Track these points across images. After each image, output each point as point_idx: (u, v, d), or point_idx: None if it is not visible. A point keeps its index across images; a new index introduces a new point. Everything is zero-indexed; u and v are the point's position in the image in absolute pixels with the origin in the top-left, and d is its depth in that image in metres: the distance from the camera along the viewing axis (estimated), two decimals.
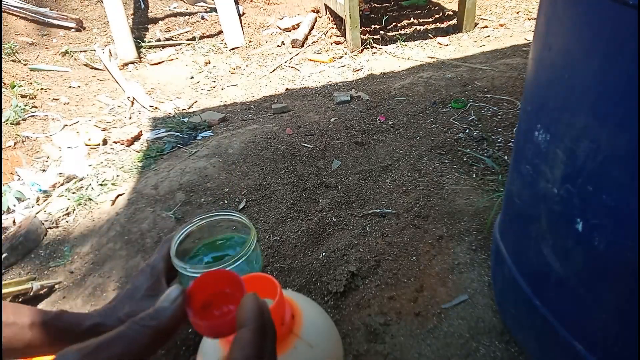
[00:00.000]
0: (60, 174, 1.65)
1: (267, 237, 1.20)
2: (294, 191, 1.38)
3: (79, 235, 1.33)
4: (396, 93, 1.99)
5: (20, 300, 1.08)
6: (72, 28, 2.96)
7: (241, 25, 3.13)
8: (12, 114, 1.99)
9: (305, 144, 1.62)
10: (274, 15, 3.34)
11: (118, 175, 1.61)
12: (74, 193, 1.53)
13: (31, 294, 1.09)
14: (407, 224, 1.17)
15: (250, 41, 3.07)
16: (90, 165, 1.71)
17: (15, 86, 2.20)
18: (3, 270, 1.23)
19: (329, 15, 3.24)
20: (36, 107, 2.17)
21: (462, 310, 0.90)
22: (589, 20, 0.47)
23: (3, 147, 1.79)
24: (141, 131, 1.98)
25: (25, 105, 2.12)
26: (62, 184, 1.60)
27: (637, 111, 0.42)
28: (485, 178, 1.30)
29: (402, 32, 2.98)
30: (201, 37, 3.09)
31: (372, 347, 0.86)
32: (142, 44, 2.96)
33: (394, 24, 3.12)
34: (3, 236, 1.29)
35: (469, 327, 0.86)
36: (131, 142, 1.90)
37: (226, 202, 1.36)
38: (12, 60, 2.47)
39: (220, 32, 3.13)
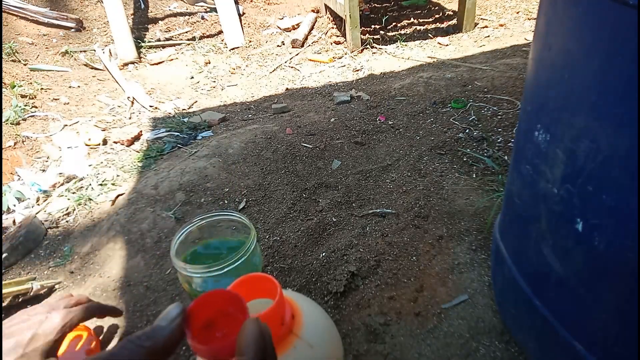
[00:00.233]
0: (60, 174, 1.65)
1: (267, 237, 1.20)
2: (294, 191, 1.38)
3: (79, 235, 1.33)
4: (396, 93, 1.99)
5: (20, 300, 1.08)
6: (72, 28, 2.96)
7: (241, 25, 3.13)
8: (12, 114, 1.99)
9: (305, 144, 1.62)
10: (274, 15, 3.34)
11: (118, 175, 1.61)
12: (74, 193, 1.53)
13: (31, 294, 1.09)
14: (407, 224, 1.17)
15: (250, 41, 3.07)
16: (90, 165, 1.71)
17: (15, 86, 2.20)
18: (3, 270, 1.23)
19: (329, 15, 3.24)
20: (36, 107, 2.17)
21: (462, 310, 0.90)
22: (589, 20, 0.47)
23: (3, 147, 1.79)
24: (141, 131, 1.98)
25: (25, 105, 2.12)
26: (62, 184, 1.60)
27: (637, 111, 0.42)
28: (485, 178, 1.30)
29: (402, 32, 2.98)
30: (201, 37, 3.09)
31: (372, 347, 0.86)
32: (142, 44, 2.96)
33: (394, 24, 3.12)
34: (3, 236, 1.29)
35: (469, 327, 0.86)
36: (131, 142, 1.90)
37: (226, 202, 1.36)
38: (12, 60, 2.47)
39: (220, 32, 3.13)
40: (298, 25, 3.17)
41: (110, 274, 1.16)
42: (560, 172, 0.55)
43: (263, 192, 1.39)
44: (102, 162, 1.74)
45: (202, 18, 3.24)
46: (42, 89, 2.32)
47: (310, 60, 2.82)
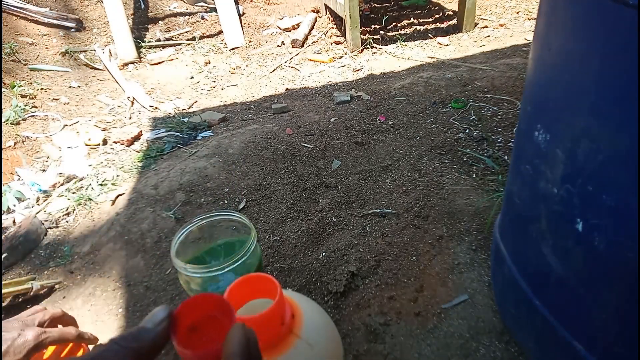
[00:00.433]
0: (60, 174, 1.65)
1: (267, 237, 1.20)
2: (294, 191, 1.38)
3: (79, 235, 1.33)
4: (396, 93, 1.99)
5: (20, 300, 1.08)
6: (72, 28, 2.96)
7: (241, 25, 3.13)
8: (12, 114, 1.99)
9: (305, 144, 1.62)
10: (274, 15, 3.34)
11: (118, 175, 1.61)
12: (74, 193, 1.53)
13: (31, 294, 1.09)
14: (407, 224, 1.17)
15: (250, 41, 3.07)
16: (90, 165, 1.71)
17: (15, 86, 2.20)
18: (3, 270, 1.23)
19: (329, 15, 3.24)
20: (36, 107, 2.17)
21: (462, 310, 0.90)
22: (589, 20, 0.47)
23: (3, 147, 1.79)
24: (141, 131, 1.98)
25: (25, 105, 2.12)
26: (62, 184, 1.60)
27: (637, 111, 0.42)
28: (485, 178, 1.30)
29: (402, 32, 2.98)
30: (201, 37, 3.09)
31: (372, 347, 0.86)
32: (142, 44, 2.96)
33: (394, 24, 3.12)
34: (3, 236, 1.29)
35: (469, 327, 0.86)
36: (131, 142, 1.90)
37: (226, 202, 1.36)
38: (12, 60, 2.47)
39: (220, 32, 3.13)
40: (298, 25, 3.17)
41: (110, 274, 1.16)
42: (560, 172, 0.55)
43: (263, 192, 1.39)
44: (102, 162, 1.74)
45: (202, 18, 3.24)
46: (42, 89, 2.32)
47: (310, 60, 2.82)
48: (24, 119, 2.05)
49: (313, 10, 3.34)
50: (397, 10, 3.30)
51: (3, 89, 2.15)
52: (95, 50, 2.84)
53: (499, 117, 1.63)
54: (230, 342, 0.30)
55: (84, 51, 2.83)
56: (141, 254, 1.20)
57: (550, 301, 0.64)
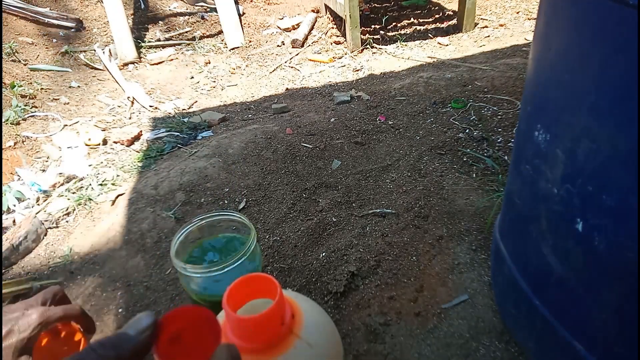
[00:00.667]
0: (60, 174, 1.65)
1: (267, 237, 1.20)
2: (294, 191, 1.38)
3: (79, 235, 1.33)
4: (396, 93, 1.99)
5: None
6: (72, 28, 2.96)
7: (241, 25, 3.13)
8: (12, 114, 1.99)
9: (305, 144, 1.62)
10: (274, 15, 3.34)
11: (118, 175, 1.61)
12: (74, 193, 1.53)
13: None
14: (407, 224, 1.17)
15: (250, 41, 3.07)
16: (90, 165, 1.71)
17: (15, 86, 2.20)
18: (3, 270, 1.23)
19: (329, 15, 3.24)
20: (36, 107, 2.17)
21: (462, 310, 0.90)
22: (589, 20, 0.47)
23: (3, 147, 1.79)
24: (141, 131, 1.98)
25: (25, 105, 2.12)
26: (62, 184, 1.60)
27: (637, 111, 0.42)
28: (485, 178, 1.30)
29: (402, 32, 2.98)
30: (201, 37, 3.09)
31: (372, 347, 0.86)
32: (142, 44, 2.96)
33: (394, 24, 3.12)
34: (3, 236, 1.29)
35: (469, 327, 0.86)
36: (131, 142, 1.90)
37: (226, 202, 1.36)
38: (12, 60, 2.47)
39: (220, 32, 3.13)
40: (298, 25, 3.17)
41: (110, 274, 1.16)
42: (560, 172, 0.55)
43: (263, 192, 1.39)
44: (102, 162, 1.74)
45: (202, 18, 3.24)
46: (42, 89, 2.32)
47: (310, 60, 2.82)
48: (24, 119, 2.05)
49: (313, 10, 3.34)
50: (397, 10, 3.30)
51: (3, 89, 2.15)
52: (95, 50, 2.84)
53: (499, 117, 1.63)
54: None
55: (84, 51, 2.83)
56: (141, 254, 1.20)
57: (550, 301, 0.64)
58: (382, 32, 2.99)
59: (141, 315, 0.31)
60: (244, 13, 3.29)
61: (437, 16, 3.16)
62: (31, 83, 2.33)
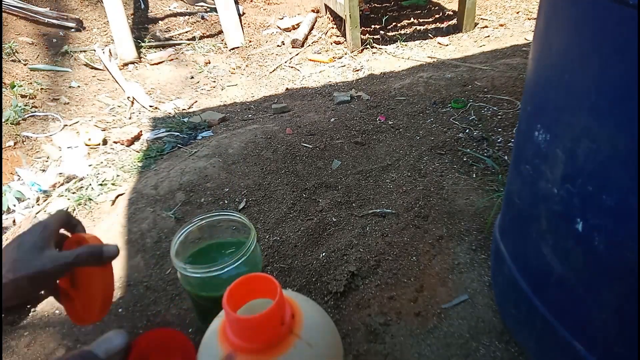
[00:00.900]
0: (60, 174, 1.65)
1: (267, 237, 1.20)
2: (294, 191, 1.38)
3: None
4: (396, 93, 1.99)
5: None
6: (72, 28, 2.95)
7: (241, 25, 3.13)
8: (12, 114, 1.99)
9: (305, 144, 1.62)
10: (274, 15, 3.34)
11: (118, 175, 1.61)
12: (74, 193, 1.53)
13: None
14: (407, 224, 1.17)
15: (250, 41, 3.07)
16: (90, 165, 1.71)
17: (15, 86, 2.20)
18: None
19: (329, 15, 3.24)
20: (36, 107, 2.17)
21: (462, 310, 0.90)
22: (589, 20, 0.47)
23: (3, 147, 1.79)
24: (141, 131, 1.98)
25: (25, 105, 2.12)
26: (62, 184, 1.60)
27: (637, 111, 0.42)
28: (485, 178, 1.30)
29: (402, 32, 2.98)
30: (201, 37, 3.09)
31: (372, 347, 0.86)
32: (142, 44, 2.95)
33: (394, 24, 3.12)
34: (3, 236, 1.29)
35: (469, 327, 0.86)
36: (131, 142, 1.90)
37: (226, 202, 1.36)
38: (12, 60, 2.47)
39: (220, 32, 3.13)
40: (298, 25, 3.17)
41: None
42: (560, 172, 0.55)
43: (263, 192, 1.39)
44: (102, 162, 1.74)
45: (202, 18, 3.24)
46: (42, 89, 2.32)
47: (310, 60, 2.82)
48: (24, 119, 2.05)
49: (313, 10, 3.34)
50: (397, 10, 3.30)
51: (3, 89, 2.15)
52: (95, 50, 2.84)
53: (499, 117, 1.63)
54: None
55: (84, 51, 2.82)
56: (141, 254, 1.20)
57: (550, 301, 0.64)
58: (382, 32, 2.99)
59: (112, 334, 0.30)
60: (244, 13, 3.29)
61: (437, 16, 3.16)
62: (31, 83, 2.33)
